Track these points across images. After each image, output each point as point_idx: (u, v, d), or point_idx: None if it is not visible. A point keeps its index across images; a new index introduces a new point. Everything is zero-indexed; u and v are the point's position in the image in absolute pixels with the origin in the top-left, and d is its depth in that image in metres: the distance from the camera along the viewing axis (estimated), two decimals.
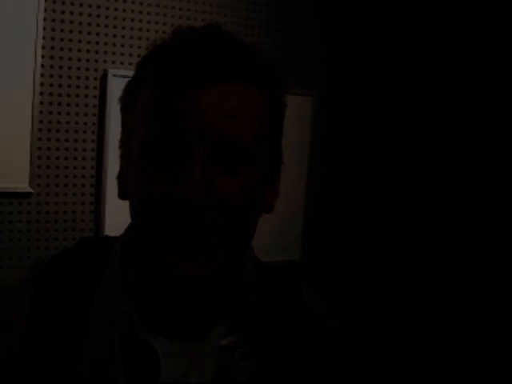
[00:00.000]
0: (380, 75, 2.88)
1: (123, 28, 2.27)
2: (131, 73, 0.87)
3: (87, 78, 2.22)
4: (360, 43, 2.84)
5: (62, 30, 2.17)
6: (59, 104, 2.18)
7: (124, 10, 2.27)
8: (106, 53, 2.25)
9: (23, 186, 2.12)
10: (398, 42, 2.87)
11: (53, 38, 2.15)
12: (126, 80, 0.88)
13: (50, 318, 0.84)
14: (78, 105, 2.21)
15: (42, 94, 2.14)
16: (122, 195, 0.87)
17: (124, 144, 0.86)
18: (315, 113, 2.68)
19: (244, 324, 0.86)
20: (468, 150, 2.66)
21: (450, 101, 2.72)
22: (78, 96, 2.21)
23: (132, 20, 2.29)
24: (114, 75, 2.20)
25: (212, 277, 0.80)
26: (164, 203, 0.77)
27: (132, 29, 2.29)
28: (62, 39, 2.17)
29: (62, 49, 2.17)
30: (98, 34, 2.23)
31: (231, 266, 0.85)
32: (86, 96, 2.22)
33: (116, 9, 2.26)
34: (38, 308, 0.85)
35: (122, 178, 0.87)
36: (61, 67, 2.18)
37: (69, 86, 2.19)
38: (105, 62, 2.24)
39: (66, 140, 2.21)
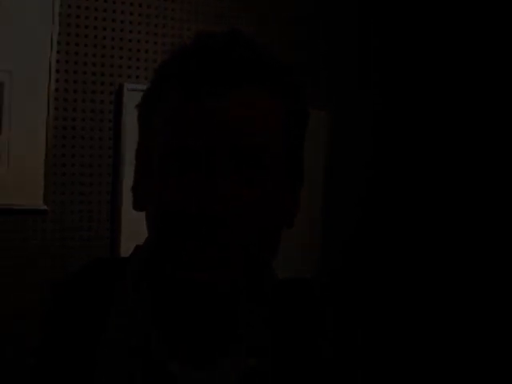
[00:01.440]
0: (394, 87, 2.87)
1: (138, 41, 2.25)
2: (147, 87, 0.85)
3: (102, 93, 2.20)
4: (372, 54, 2.82)
5: (76, 44, 2.15)
6: (74, 119, 2.16)
7: (139, 23, 2.25)
8: (121, 67, 2.22)
9: (38, 203, 2.10)
10: (411, 52, 2.86)
11: (67, 52, 2.13)
12: (141, 93, 0.87)
13: (64, 339, 0.84)
14: (93, 119, 2.19)
15: (56, 108, 2.11)
16: (137, 206, 0.86)
17: (141, 153, 0.86)
18: (329, 128, 2.66)
19: (258, 347, 0.85)
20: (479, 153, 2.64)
21: (469, 115, 2.70)
22: (93, 111, 2.18)
23: (147, 33, 2.27)
24: (130, 89, 2.18)
25: (227, 293, 0.80)
26: (184, 213, 0.76)
27: (147, 42, 2.27)
28: (76, 53, 2.15)
29: (76, 63, 2.15)
30: (113, 48, 2.21)
31: (247, 283, 0.84)
32: (101, 111, 2.20)
33: (131, 22, 2.24)
34: (53, 330, 0.85)
35: (137, 189, 0.87)
36: (75, 81, 2.15)
37: (83, 101, 2.17)
38: (120, 76, 2.22)
39: (82, 156, 2.18)
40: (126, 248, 2.15)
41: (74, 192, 2.17)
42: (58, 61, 2.10)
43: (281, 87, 0.82)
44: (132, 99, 2.16)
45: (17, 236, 2.10)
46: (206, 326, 0.83)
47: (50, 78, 2.08)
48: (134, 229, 2.10)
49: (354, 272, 2.84)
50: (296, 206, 0.88)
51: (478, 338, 2.56)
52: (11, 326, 2.04)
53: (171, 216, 0.77)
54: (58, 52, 2.10)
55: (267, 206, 0.79)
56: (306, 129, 0.88)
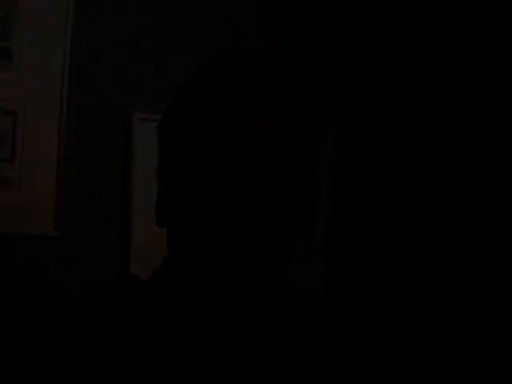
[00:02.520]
0: (397, 94, 2.85)
1: (148, 70, 2.28)
2: (156, 116, 0.89)
3: (112, 121, 2.22)
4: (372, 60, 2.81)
5: (87, 74, 2.19)
6: (85, 147, 2.18)
7: (148, 52, 2.29)
8: (130, 95, 2.25)
9: (48, 229, 2.11)
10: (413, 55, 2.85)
11: (78, 82, 2.17)
12: (150, 122, 0.89)
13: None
14: (103, 147, 2.21)
15: (67, 136, 2.14)
16: (160, 222, 0.88)
17: (164, 169, 0.89)
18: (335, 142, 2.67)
19: (263, 349, 0.86)
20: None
21: (478, 127, 2.69)
22: (103, 139, 2.21)
23: (156, 62, 2.30)
24: (139, 118, 2.20)
25: (232, 295, 0.83)
26: (214, 221, 0.80)
27: (157, 71, 2.29)
28: (86, 82, 2.18)
29: (86, 92, 2.18)
30: (122, 78, 2.24)
31: (254, 287, 0.86)
32: (111, 138, 2.22)
33: (140, 51, 2.27)
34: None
35: (161, 205, 0.89)
36: (86, 110, 2.18)
37: (94, 129, 2.20)
38: (130, 104, 2.24)
39: (92, 183, 2.20)
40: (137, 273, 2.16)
41: (84, 219, 2.19)
42: (69, 90, 2.14)
43: (295, 100, 0.86)
44: (141, 127, 2.17)
45: (27, 263, 2.10)
46: (210, 328, 0.85)
47: (62, 107, 2.11)
48: (144, 253, 2.14)
49: (356, 278, 2.81)
50: (311, 217, 0.90)
51: (479, 340, 2.54)
52: (21, 352, 2.03)
53: (206, 223, 0.80)
54: (69, 82, 2.14)
55: (281, 215, 0.82)
56: (320, 140, 0.91)
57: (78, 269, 2.18)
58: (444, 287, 2.73)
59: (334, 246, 2.72)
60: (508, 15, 2.52)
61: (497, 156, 2.58)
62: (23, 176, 2.07)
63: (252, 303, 0.86)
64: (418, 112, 2.86)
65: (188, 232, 0.81)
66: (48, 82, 2.10)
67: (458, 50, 2.71)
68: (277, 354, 0.86)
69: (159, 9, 2.32)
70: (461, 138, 2.70)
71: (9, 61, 2.05)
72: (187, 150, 0.82)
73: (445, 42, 2.75)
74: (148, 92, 2.28)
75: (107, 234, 2.23)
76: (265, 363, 0.84)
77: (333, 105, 2.67)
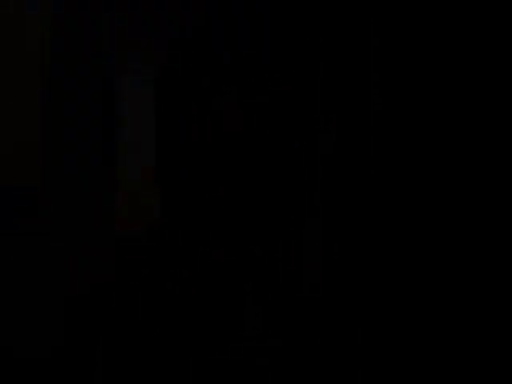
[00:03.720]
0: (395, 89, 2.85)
1: (133, 24, 2.22)
2: (139, 66, 0.87)
3: (97, 72, 2.18)
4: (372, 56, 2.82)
5: (70, 26, 2.16)
6: (68, 95, 2.16)
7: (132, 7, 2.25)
8: (116, 47, 2.19)
9: (32, 180, 2.08)
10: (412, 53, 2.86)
11: (62, 32, 2.15)
12: (136, 74, 0.87)
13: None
14: (88, 96, 2.18)
15: (50, 86, 2.14)
16: (158, 182, 0.86)
17: (166, 146, 0.86)
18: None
19: (263, 349, 0.85)
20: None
21: (472, 119, 2.70)
22: (88, 90, 2.18)
23: (143, 15, 2.24)
24: (124, 69, 2.11)
25: (232, 295, 0.82)
26: (214, 221, 0.79)
27: (142, 25, 2.22)
28: (70, 33, 2.16)
29: (71, 43, 2.17)
30: (107, 29, 2.20)
31: (253, 286, 0.85)
32: (95, 89, 2.18)
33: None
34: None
35: (161, 168, 0.86)
36: (70, 62, 2.16)
37: (78, 81, 2.17)
38: (115, 56, 2.18)
39: (76, 133, 2.16)
40: (122, 224, 2.13)
41: (68, 169, 2.15)
42: (53, 41, 2.12)
43: (294, 100, 0.84)
44: (126, 77, 2.08)
45: (11, 214, 2.08)
46: (210, 328, 0.84)
47: (44, 52, 2.08)
48: (129, 202, 2.04)
49: (355, 278, 2.81)
50: (310, 217, 0.89)
51: (478, 339, 2.54)
52: (12, 312, 1.98)
53: (186, 220, 0.80)
54: (51, 32, 2.12)
55: (281, 215, 0.81)
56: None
57: (62, 221, 2.14)
58: (443, 286, 2.74)
59: (334, 245, 2.72)
60: (508, 15, 2.53)
61: (494, 154, 2.60)
62: (5, 125, 2.04)
63: (252, 303, 0.86)
64: (418, 112, 2.86)
65: (187, 231, 0.81)
66: (31, 29, 2.06)
67: (457, 49, 2.72)
68: (277, 353, 0.84)
69: None
70: (462, 139, 2.71)
71: None
72: (187, 149, 0.82)
73: (444, 42, 2.76)
74: (133, 45, 2.18)
75: (92, 184, 2.17)
76: (265, 363, 0.84)
77: (333, 105, 2.68)
